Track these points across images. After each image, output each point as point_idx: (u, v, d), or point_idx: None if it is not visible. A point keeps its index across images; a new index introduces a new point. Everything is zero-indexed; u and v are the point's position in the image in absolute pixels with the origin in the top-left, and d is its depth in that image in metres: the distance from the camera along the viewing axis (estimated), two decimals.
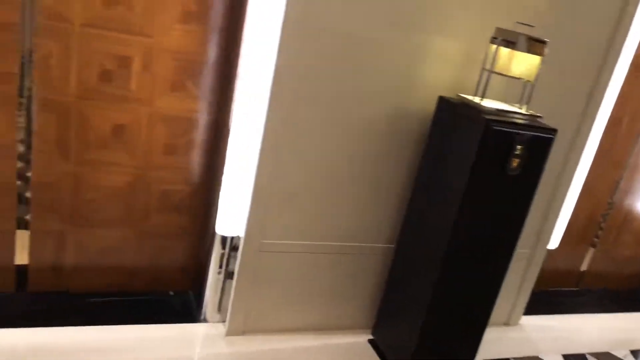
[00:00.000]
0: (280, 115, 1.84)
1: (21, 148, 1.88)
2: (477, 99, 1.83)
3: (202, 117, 2.06)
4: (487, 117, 1.73)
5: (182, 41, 1.90)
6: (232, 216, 2.02)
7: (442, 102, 1.92)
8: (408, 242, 2.11)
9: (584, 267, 3.22)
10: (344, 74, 1.87)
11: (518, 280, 2.56)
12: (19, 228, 1.99)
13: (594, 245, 3.18)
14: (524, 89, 1.91)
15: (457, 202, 1.81)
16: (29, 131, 1.86)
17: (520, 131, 1.76)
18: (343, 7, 1.76)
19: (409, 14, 1.86)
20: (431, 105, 1.96)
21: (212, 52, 1.97)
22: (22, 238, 2.01)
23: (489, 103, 1.84)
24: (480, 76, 1.84)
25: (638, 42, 2.35)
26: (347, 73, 1.88)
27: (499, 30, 1.80)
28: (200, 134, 2.09)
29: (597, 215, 3.09)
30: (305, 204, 2.04)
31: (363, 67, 1.89)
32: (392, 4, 1.83)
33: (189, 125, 2.06)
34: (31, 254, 2.03)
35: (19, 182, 1.92)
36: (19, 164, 1.90)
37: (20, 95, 1.79)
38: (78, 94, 1.85)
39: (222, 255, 2.11)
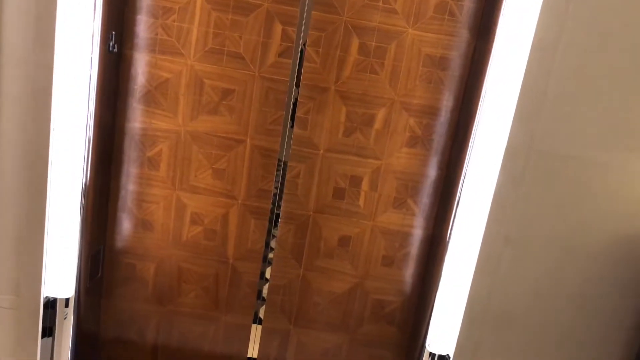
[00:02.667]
0: (499, 234, 1.92)
1: (265, 253, 2.27)
2: None
3: (419, 232, 2.25)
4: None
5: (406, 163, 2.17)
6: (442, 333, 2.10)
7: None
8: None
9: None
10: (569, 197, 1.90)
11: None
12: (254, 322, 2.34)
13: None
14: None
15: None
16: (271, 238, 2.26)
17: None
18: (567, 130, 1.85)
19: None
20: None
21: (432, 172, 2.18)
22: (255, 332, 2.35)
23: None
24: None
25: None
26: (572, 196, 1.90)
27: None
28: (415, 248, 2.27)
29: None
30: (520, 328, 2.02)
31: (587, 189, 1.90)
32: (619, 127, 1.85)
33: (407, 239, 2.26)
34: (260, 349, 2.35)
35: (260, 280, 2.30)
36: (262, 264, 2.29)
37: (271, 210, 2.21)
38: (315, 208, 2.21)
39: None
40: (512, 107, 1.82)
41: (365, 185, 2.18)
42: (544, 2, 1.75)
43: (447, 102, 2.09)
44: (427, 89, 2.08)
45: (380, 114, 2.10)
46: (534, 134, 1.85)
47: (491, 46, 1.93)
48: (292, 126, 2.13)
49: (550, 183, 1.90)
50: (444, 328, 2.08)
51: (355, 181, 2.18)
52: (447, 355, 2.11)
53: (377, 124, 2.11)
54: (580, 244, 1.95)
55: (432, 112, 2.10)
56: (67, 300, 2.05)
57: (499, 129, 1.89)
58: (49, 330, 2.02)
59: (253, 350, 2.36)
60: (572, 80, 1.81)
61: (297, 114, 2.10)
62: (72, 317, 2.08)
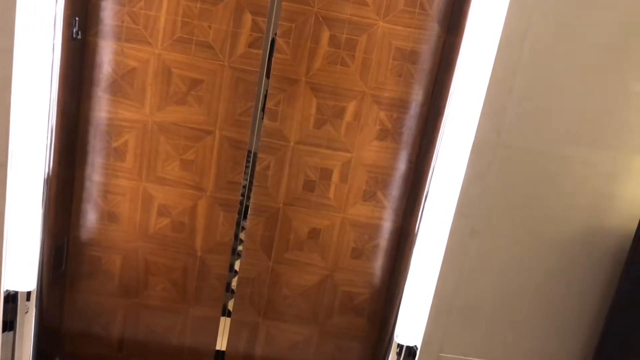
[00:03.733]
0: (466, 227, 1.97)
1: (234, 245, 2.27)
2: None
3: (388, 225, 2.28)
4: None
5: (376, 156, 2.18)
6: (410, 325, 2.14)
7: None
8: None
9: None
10: (534, 191, 1.96)
11: None
12: (222, 315, 2.34)
13: None
14: None
15: None
16: (240, 230, 2.26)
17: None
18: (533, 126, 1.89)
19: (605, 134, 1.92)
20: (632, 227, 1.93)
21: (402, 165, 2.21)
22: (224, 325, 2.35)
23: None
24: None
25: None
26: (537, 190, 1.96)
27: None
28: (385, 241, 2.30)
29: None
30: (486, 320, 2.08)
31: (552, 184, 1.96)
32: (585, 124, 1.91)
33: (376, 231, 2.28)
34: (229, 341, 2.35)
35: (228, 274, 2.29)
36: (231, 256, 2.28)
37: (240, 202, 2.20)
38: (285, 201, 2.21)
39: None
40: (480, 101, 1.86)
41: (335, 177, 2.20)
42: None
43: (416, 96, 2.12)
44: (397, 82, 2.10)
45: (351, 107, 2.11)
46: (500, 128, 1.89)
47: (460, 40, 1.96)
48: (262, 117, 2.13)
49: (516, 177, 1.95)
50: (412, 320, 2.12)
51: (326, 173, 2.19)
52: (415, 346, 2.15)
53: (348, 117, 2.12)
54: (545, 237, 2.01)
55: (402, 105, 2.13)
56: (29, 293, 2.01)
57: (466, 123, 1.92)
58: (9, 325, 1.98)
59: (222, 343, 2.36)
60: (539, 76, 1.86)
61: (268, 105, 2.10)
62: (34, 310, 2.05)
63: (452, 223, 1.98)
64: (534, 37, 1.82)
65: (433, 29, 2.05)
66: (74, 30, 1.91)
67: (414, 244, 2.10)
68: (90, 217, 2.17)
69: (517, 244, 2.02)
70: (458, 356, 2.12)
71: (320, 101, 2.10)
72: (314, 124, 2.13)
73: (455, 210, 1.96)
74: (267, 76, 2.09)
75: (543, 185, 1.97)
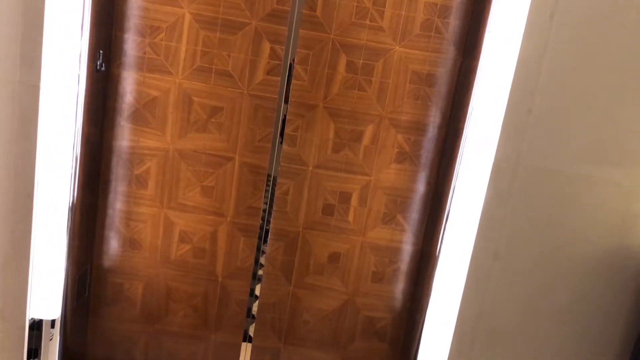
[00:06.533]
0: (488, 250, 1.98)
1: (255, 270, 2.31)
2: None
3: (409, 248, 2.30)
4: None
5: (395, 178, 2.22)
6: (433, 350, 2.14)
7: None
8: None
9: None
10: (557, 212, 1.97)
11: None
12: (243, 341, 2.37)
13: None
14: None
15: None
16: (260, 255, 2.29)
17: None
18: (553, 145, 1.91)
19: (631, 151, 1.93)
20: None
21: (421, 188, 2.24)
22: (245, 351, 2.37)
23: None
24: None
25: None
26: (560, 211, 1.97)
27: None
28: (405, 264, 2.32)
29: None
30: (511, 345, 2.07)
31: (574, 204, 1.97)
32: (605, 142, 1.92)
33: (396, 255, 2.30)
34: None
35: (249, 298, 2.33)
36: (252, 282, 2.32)
37: (260, 227, 2.24)
38: (305, 225, 2.25)
39: None
40: (499, 123, 1.89)
41: (354, 201, 2.23)
42: (528, 20, 1.83)
43: (434, 119, 2.16)
44: (414, 106, 2.14)
45: (369, 131, 2.16)
46: (520, 149, 1.91)
47: (477, 63, 2.01)
48: (281, 142, 2.18)
49: (538, 198, 1.96)
50: (435, 344, 2.13)
51: (345, 197, 2.23)
52: None
53: (366, 140, 2.17)
54: (569, 259, 2.01)
55: (419, 128, 2.16)
56: (53, 321, 2.06)
57: (485, 144, 1.95)
58: (34, 352, 2.03)
59: None
60: (557, 97, 1.88)
61: (286, 130, 2.15)
62: (58, 338, 2.10)
63: (474, 246, 1.99)
64: (551, 57, 1.85)
65: (449, 52, 2.10)
66: (98, 63, 2.00)
67: (435, 267, 2.12)
68: (113, 245, 2.23)
69: (541, 267, 2.02)
70: None
71: (338, 126, 2.15)
72: (332, 148, 2.18)
73: (477, 233, 1.98)
74: (286, 102, 2.14)
75: (565, 206, 1.97)
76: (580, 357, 2.09)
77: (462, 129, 2.07)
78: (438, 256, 2.13)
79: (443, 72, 2.11)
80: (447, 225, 2.12)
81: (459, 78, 2.11)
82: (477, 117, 1.99)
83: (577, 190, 1.96)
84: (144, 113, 2.12)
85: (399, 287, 2.34)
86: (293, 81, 2.11)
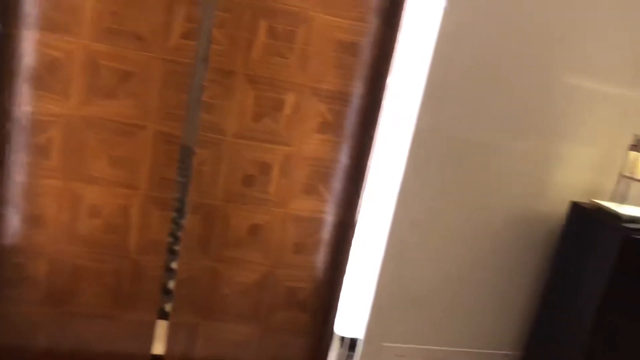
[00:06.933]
0: (405, 218, 2.03)
1: (170, 244, 2.21)
2: (614, 206, 1.91)
3: (330, 218, 2.30)
4: (627, 225, 1.80)
5: (317, 149, 2.20)
6: (352, 317, 2.18)
7: (575, 208, 2.02)
8: (538, 351, 2.12)
9: None
10: (470, 180, 2.05)
11: None
12: (159, 318, 2.27)
13: None
14: None
15: (592, 316, 1.84)
16: (179, 229, 2.20)
17: None
18: (471, 117, 1.98)
19: (537, 123, 2.04)
20: (562, 211, 2.06)
21: (343, 158, 2.24)
22: (161, 328, 2.29)
23: (628, 210, 1.91)
24: (618, 183, 1.93)
25: None
26: (473, 179, 2.05)
27: (638, 137, 1.91)
28: (327, 234, 2.32)
29: None
30: (428, 308, 2.16)
31: (489, 173, 2.06)
32: (519, 114, 2.01)
33: (318, 225, 2.30)
34: (167, 345, 2.29)
35: (165, 273, 2.23)
36: (167, 256, 2.22)
37: (175, 199, 2.14)
38: (223, 197, 2.18)
39: (340, 355, 2.25)
40: (419, 94, 1.91)
41: (275, 172, 2.19)
42: None
43: (357, 89, 2.15)
44: (337, 75, 2.11)
45: (290, 99, 2.11)
46: (439, 120, 1.95)
47: (399, 33, 2.01)
48: (197, 111, 2.08)
49: (454, 167, 2.03)
50: (353, 312, 2.16)
51: (266, 168, 2.18)
52: (357, 338, 2.19)
53: (287, 109, 2.12)
54: (481, 224, 2.11)
55: (342, 98, 2.15)
56: None
57: (405, 115, 1.97)
58: None
59: (159, 348, 2.29)
60: (475, 69, 1.94)
61: (203, 98, 2.05)
62: None
63: (393, 214, 2.03)
64: (471, 30, 1.89)
65: (372, 21, 2.08)
66: None
67: (356, 237, 2.14)
68: (13, 221, 2.04)
69: (455, 233, 2.10)
70: (400, 345, 2.19)
71: (258, 93, 2.09)
72: (252, 117, 2.11)
73: (396, 202, 2.01)
74: (203, 68, 2.04)
75: (479, 174, 2.06)
76: (490, 315, 2.22)
77: (384, 99, 2.08)
78: (357, 225, 2.15)
79: (366, 42, 2.10)
80: (366, 195, 2.14)
81: (382, 48, 2.11)
82: (398, 87, 2.00)
83: (490, 159, 2.05)
84: (45, 76, 1.93)
85: (321, 258, 2.35)
86: (211, 46, 2.01)
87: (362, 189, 2.19)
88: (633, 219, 1.83)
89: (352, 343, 2.23)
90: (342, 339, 2.25)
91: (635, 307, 1.84)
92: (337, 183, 2.26)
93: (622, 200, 1.89)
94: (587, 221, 1.95)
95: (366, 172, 2.17)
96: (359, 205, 2.21)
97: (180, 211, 2.17)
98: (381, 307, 2.11)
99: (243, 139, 2.13)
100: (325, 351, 2.34)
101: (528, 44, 1.95)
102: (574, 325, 1.93)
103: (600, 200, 1.98)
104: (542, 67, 1.98)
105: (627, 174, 1.89)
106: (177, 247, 2.24)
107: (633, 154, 1.88)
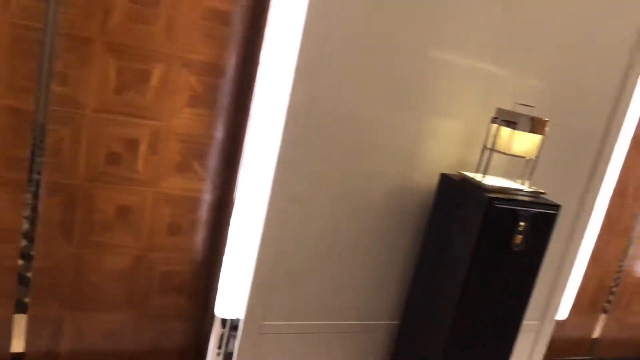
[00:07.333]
0: (284, 194, 1.98)
1: (26, 230, 1.99)
2: (479, 177, 1.99)
3: (207, 197, 2.20)
4: (490, 194, 1.88)
5: (189, 124, 2.07)
6: (231, 297, 2.11)
7: (444, 179, 2.08)
8: (413, 319, 2.20)
9: (596, 334, 3.33)
10: (347, 154, 2.04)
11: (527, 353, 2.65)
12: (17, 312, 2.06)
13: (605, 312, 3.30)
14: (526, 165, 2.08)
15: (462, 280, 1.92)
16: (35, 213, 1.98)
17: (522, 208, 1.91)
18: (346, 90, 1.95)
19: (410, 97, 2.06)
20: (434, 183, 2.12)
21: (218, 134, 2.13)
22: (20, 323, 2.07)
23: (491, 180, 2.00)
24: (482, 154, 2.02)
25: (638, 118, 2.58)
26: (350, 153, 2.04)
27: (499, 110, 1.99)
28: (204, 214, 2.22)
29: (607, 282, 3.22)
30: (308, 283, 2.15)
31: (365, 146, 2.06)
32: (393, 88, 2.02)
33: (194, 205, 2.19)
34: (28, 341, 2.09)
35: (21, 262, 2.01)
36: (23, 243, 2.00)
37: (29, 180, 1.93)
38: (85, 177, 1.99)
39: (222, 335, 2.18)
40: (292, 66, 1.85)
41: (144, 148, 2.04)
42: None
43: (230, 60, 2.04)
44: (207, 45, 1.99)
45: (157, 70, 1.96)
46: (314, 93, 1.91)
47: (271, 1, 1.92)
48: (49, 82, 1.87)
49: (331, 141, 2.00)
50: (233, 292, 2.10)
51: (132, 144, 2.02)
52: (238, 319, 2.13)
53: (154, 81, 1.97)
54: (359, 197, 2.11)
55: (214, 70, 2.03)
56: None
57: (280, 88, 1.91)
58: None
59: (19, 345, 2.08)
60: (350, 40, 1.90)
61: (56, 68, 1.84)
62: None
63: (271, 190, 1.97)
64: (344, 3, 1.85)
65: None
66: None
67: (233, 214, 2.06)
68: None
69: (334, 207, 2.09)
70: (282, 322, 2.16)
71: (120, 63, 1.91)
72: (114, 89, 1.93)
73: (273, 177, 1.96)
74: (54, 34, 1.82)
75: (356, 148, 2.05)
76: (371, 287, 2.26)
77: (257, 71, 1.99)
78: (235, 203, 2.07)
79: (238, 10, 1.99)
80: (244, 171, 2.06)
81: (254, 18, 2.01)
82: (271, 59, 1.93)
83: (366, 132, 2.05)
84: None
85: (198, 238, 2.25)
86: (63, 9, 1.80)
87: (239, 165, 2.11)
88: (496, 189, 1.93)
89: (234, 324, 2.17)
90: (224, 320, 2.18)
91: (497, 267, 1.95)
92: (213, 159, 2.16)
93: (486, 171, 1.97)
94: (455, 192, 2.02)
95: (243, 147, 2.09)
96: (236, 182, 2.12)
97: (35, 194, 1.96)
98: (261, 285, 2.06)
99: (105, 113, 1.95)
100: (207, 334, 2.26)
101: (400, 19, 1.95)
102: (444, 290, 2.00)
103: (467, 171, 2.06)
104: (414, 42, 2.00)
105: (489, 146, 1.97)
106: (34, 234, 2.03)
107: (494, 126, 1.96)
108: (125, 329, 2.23)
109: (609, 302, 3.28)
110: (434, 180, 2.11)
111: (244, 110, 2.07)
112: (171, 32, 1.94)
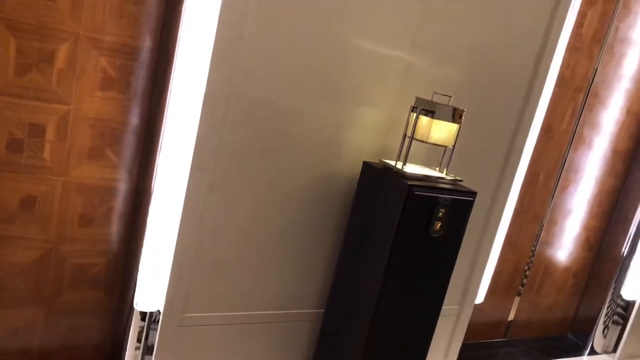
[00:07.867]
0: (203, 183, 1.91)
1: None
2: (399, 165, 2.02)
3: (122, 186, 2.10)
4: (409, 182, 1.91)
5: (101, 108, 1.96)
6: (151, 290, 2.04)
7: (366, 167, 2.09)
8: (337, 306, 2.20)
9: (511, 317, 3.50)
10: (270, 142, 2.00)
11: (447, 337, 2.73)
12: None
13: (519, 295, 3.48)
14: (444, 154, 2.13)
15: (383, 266, 1.94)
16: None
17: (441, 195, 1.95)
18: (268, 75, 1.90)
19: (334, 86, 2.04)
20: (357, 171, 2.12)
21: (133, 119, 2.03)
22: None
23: (411, 168, 2.03)
24: (402, 143, 2.04)
25: (545, 109, 2.71)
26: (273, 141, 2.00)
27: (418, 100, 2.02)
28: (119, 203, 2.12)
29: (521, 266, 3.39)
30: (231, 273, 2.10)
31: (289, 135, 2.03)
32: (319, 76, 2.00)
33: (108, 194, 2.08)
34: None
35: None
36: None
37: None
38: None
39: (142, 329, 2.10)
40: (210, 48, 1.78)
41: (50, 134, 1.91)
42: None
43: (144, 42, 1.95)
44: (119, 25, 1.89)
45: (63, 50, 1.84)
46: (233, 78, 1.85)
47: None
48: None
49: (252, 128, 1.95)
50: (152, 284, 2.02)
51: (37, 130, 1.89)
52: (158, 311, 2.06)
53: (60, 63, 1.84)
54: (282, 186, 2.08)
55: (127, 51, 1.93)
56: None
57: (197, 72, 1.83)
58: None
59: None
60: (269, 23, 1.85)
61: None
62: None
63: (189, 178, 1.90)
64: None
65: None
66: None
67: (149, 204, 1.98)
68: None
69: (256, 196, 2.05)
70: (204, 314, 2.10)
71: (21, 42, 1.77)
72: (15, 70, 1.79)
73: (191, 165, 1.88)
74: None
75: (278, 136, 2.01)
76: (296, 276, 2.24)
77: (174, 54, 1.91)
78: (153, 192, 1.99)
79: None
80: (162, 158, 1.97)
81: None
82: (187, 42, 1.85)
83: (288, 120, 2.01)
84: None
85: (114, 229, 2.14)
86: None
87: (157, 152, 2.02)
88: (415, 177, 1.96)
89: (154, 317, 2.09)
90: (143, 314, 2.09)
91: (417, 253, 1.98)
92: (128, 146, 2.06)
93: (407, 159, 2.00)
94: (376, 180, 2.04)
95: (160, 134, 2.00)
96: (153, 169, 2.03)
97: None
98: (181, 277, 1.99)
99: (4, 95, 1.80)
100: (125, 328, 2.17)
101: (321, 6, 1.92)
102: (366, 276, 2.02)
103: (389, 159, 2.08)
104: (334, 31, 1.98)
105: (409, 135, 1.99)
106: None
107: (413, 115, 1.99)
108: (33, 325, 2.10)
109: (522, 285, 3.45)
110: (357, 168, 2.12)
111: (160, 95, 1.98)
112: (77, 10, 1.82)
